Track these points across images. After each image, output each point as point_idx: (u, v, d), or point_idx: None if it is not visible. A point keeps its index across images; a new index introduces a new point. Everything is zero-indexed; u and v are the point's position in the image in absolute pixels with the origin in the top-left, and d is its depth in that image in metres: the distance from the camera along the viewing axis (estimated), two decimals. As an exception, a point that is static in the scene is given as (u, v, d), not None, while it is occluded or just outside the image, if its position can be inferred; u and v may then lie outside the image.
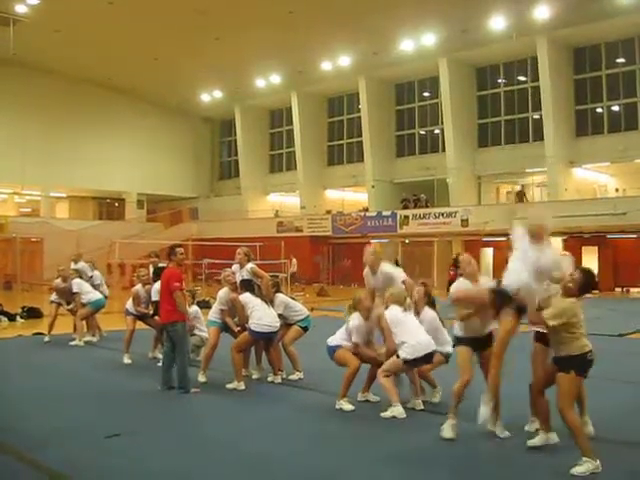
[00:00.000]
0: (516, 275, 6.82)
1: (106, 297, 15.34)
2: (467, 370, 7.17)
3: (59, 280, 15.02)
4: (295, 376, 10.28)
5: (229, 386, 9.59)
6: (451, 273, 24.44)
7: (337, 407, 8.20)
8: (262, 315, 9.61)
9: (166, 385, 9.41)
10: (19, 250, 36.45)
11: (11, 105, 43.06)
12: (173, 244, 9.97)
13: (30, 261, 39.04)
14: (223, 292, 10.29)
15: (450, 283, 23.42)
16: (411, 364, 7.95)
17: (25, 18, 34.77)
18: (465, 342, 7.26)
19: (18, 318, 19.12)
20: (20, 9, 33.90)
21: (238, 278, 10.22)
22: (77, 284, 14.38)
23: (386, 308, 8.17)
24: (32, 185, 46.47)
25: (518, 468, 6.24)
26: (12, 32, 34.70)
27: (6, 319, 18.84)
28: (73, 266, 15.17)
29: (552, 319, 6.12)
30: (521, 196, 37.03)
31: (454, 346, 7.48)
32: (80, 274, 14.84)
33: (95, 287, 14.95)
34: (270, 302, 9.96)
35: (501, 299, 6.79)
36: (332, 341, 8.63)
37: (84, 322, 14.57)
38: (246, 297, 9.75)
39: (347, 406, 8.20)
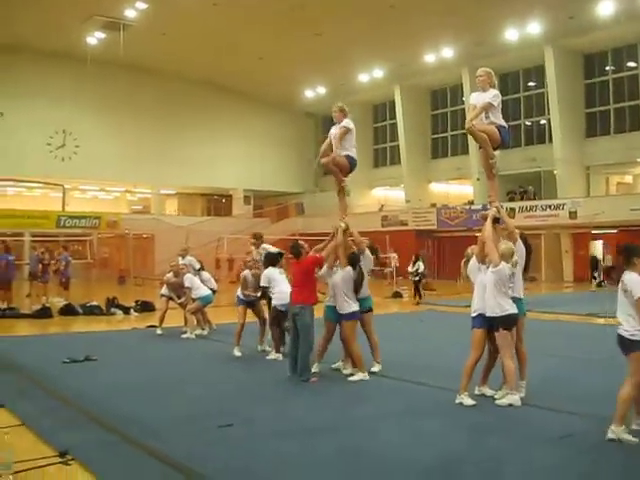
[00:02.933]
0: None
1: (214, 291, 15.76)
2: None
3: (171, 274, 15.48)
4: (375, 368, 10.27)
5: (352, 378, 9.82)
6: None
7: (457, 402, 8.09)
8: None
9: (293, 372, 9.77)
10: (132, 246, 37.57)
11: (124, 107, 44.61)
12: (295, 241, 10.38)
13: (142, 256, 40.27)
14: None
15: None
16: None
17: (134, 22, 35.93)
18: None
19: (132, 311, 19.82)
20: (129, 14, 35.07)
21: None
22: (189, 279, 14.81)
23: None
24: (143, 183, 48.03)
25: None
26: (122, 37, 35.92)
27: (121, 312, 19.63)
28: (181, 261, 15.59)
29: None
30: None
31: None
32: (190, 269, 15.30)
33: (202, 282, 15.37)
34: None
35: None
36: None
37: (194, 316, 15.00)
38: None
39: (468, 401, 8.07)
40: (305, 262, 9.85)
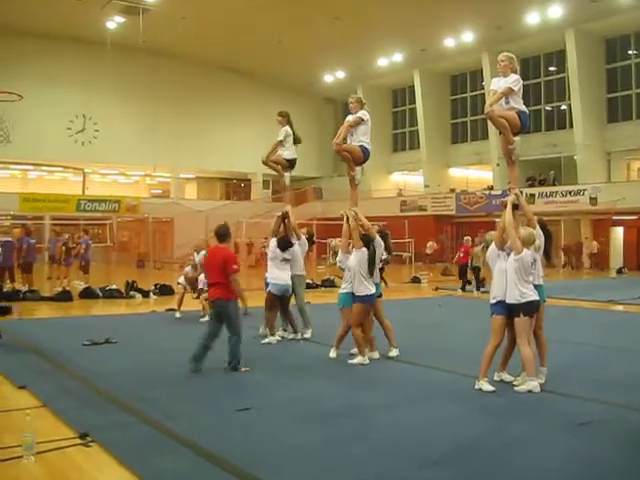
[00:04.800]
0: None
1: None
2: None
3: (189, 268, 15.58)
4: (393, 353, 10.29)
5: (351, 361, 9.84)
6: (461, 256, 22.53)
7: (476, 387, 8.08)
8: None
9: (197, 362, 9.15)
10: (151, 230, 37.71)
11: (143, 91, 44.81)
12: (223, 223, 9.80)
13: (161, 240, 40.46)
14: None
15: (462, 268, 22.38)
16: None
17: (153, 7, 35.96)
18: None
19: (151, 295, 19.94)
20: (149, -2, 35.16)
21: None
22: (202, 282, 14.61)
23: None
24: (163, 167, 48.18)
25: None
26: (141, 21, 35.94)
27: (140, 295, 19.74)
28: (196, 257, 15.31)
29: None
30: None
31: None
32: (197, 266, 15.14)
33: None
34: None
35: None
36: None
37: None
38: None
39: (487, 386, 8.04)
40: (222, 256, 9.20)
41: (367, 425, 6.77)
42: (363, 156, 10.42)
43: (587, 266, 35.81)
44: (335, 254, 10.57)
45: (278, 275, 11.66)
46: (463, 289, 22.17)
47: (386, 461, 5.70)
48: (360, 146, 10.34)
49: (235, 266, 9.09)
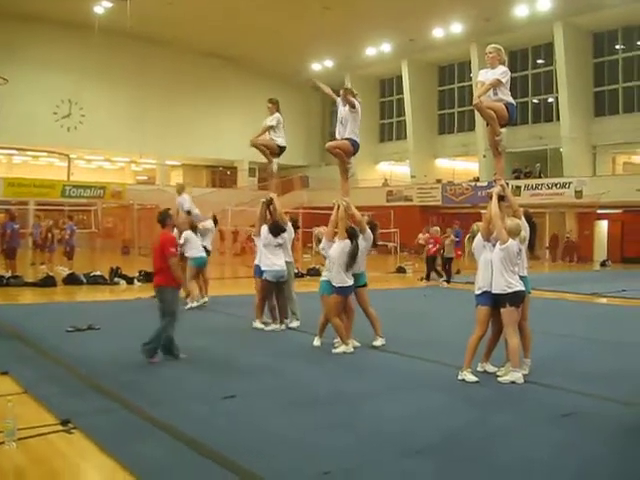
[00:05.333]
0: None
1: (209, 252, 15.65)
2: None
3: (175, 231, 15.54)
4: (378, 342, 10.30)
5: (335, 350, 9.86)
6: (430, 247, 22.20)
7: (459, 378, 8.10)
8: None
9: (165, 352, 9.16)
10: (136, 217, 37.54)
11: (130, 78, 44.61)
12: (165, 208, 9.99)
13: (146, 227, 40.18)
14: None
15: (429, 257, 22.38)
16: None
17: (140, -9, 35.71)
18: None
19: (135, 281, 19.86)
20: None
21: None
22: (185, 237, 14.73)
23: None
24: (148, 154, 47.99)
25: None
26: (129, 6, 35.68)
27: (124, 282, 19.67)
28: (177, 200, 15.94)
29: None
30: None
31: None
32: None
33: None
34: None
35: None
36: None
37: (194, 283, 14.88)
38: None
39: (470, 377, 8.07)
40: (161, 241, 9.23)
41: (351, 413, 6.77)
42: (353, 149, 10.48)
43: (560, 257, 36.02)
44: (319, 241, 10.54)
45: (272, 261, 11.64)
46: (427, 278, 22.23)
47: (369, 450, 5.71)
48: (349, 139, 10.38)
49: (172, 249, 9.13)
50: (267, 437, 5.99)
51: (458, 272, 23.90)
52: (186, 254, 14.60)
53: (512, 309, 8.02)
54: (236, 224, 35.43)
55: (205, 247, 15.25)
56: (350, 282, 9.86)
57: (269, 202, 12.15)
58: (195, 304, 14.61)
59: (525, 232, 8.37)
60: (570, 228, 36.39)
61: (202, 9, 37.40)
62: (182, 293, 13.43)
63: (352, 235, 9.92)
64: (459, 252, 23.60)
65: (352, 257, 9.77)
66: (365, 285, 10.37)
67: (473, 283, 8.62)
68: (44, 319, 12.69)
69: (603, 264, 33.09)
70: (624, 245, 35.51)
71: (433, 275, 22.31)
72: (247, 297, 12.00)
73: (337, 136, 10.57)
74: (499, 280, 8.04)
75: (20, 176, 41.92)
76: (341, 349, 9.81)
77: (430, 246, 22.19)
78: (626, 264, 33.74)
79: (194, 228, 15.08)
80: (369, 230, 10.29)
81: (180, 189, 16.66)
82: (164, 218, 9.47)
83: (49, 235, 22.87)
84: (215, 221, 16.37)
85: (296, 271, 17.31)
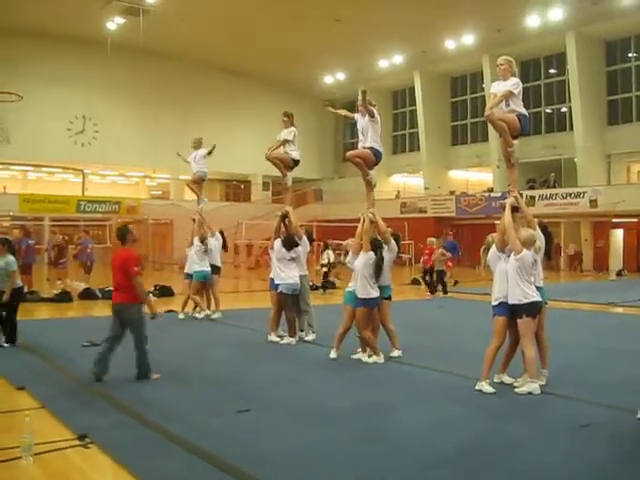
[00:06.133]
0: None
1: (217, 268, 15.84)
2: None
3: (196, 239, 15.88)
4: (395, 353, 10.32)
5: (368, 360, 9.95)
6: (425, 258, 21.98)
7: (477, 389, 8.08)
8: None
9: (100, 367, 8.76)
10: (150, 231, 37.65)
11: (143, 92, 44.79)
12: (125, 223, 9.59)
13: (161, 242, 40.36)
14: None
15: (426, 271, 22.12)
16: None
17: (153, 7, 35.97)
18: None
19: (151, 296, 19.79)
20: (148, -1, 35.16)
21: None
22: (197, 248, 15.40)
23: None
24: (162, 169, 48.16)
25: None
26: (142, 22, 35.93)
27: (139, 296, 19.65)
28: (193, 154, 17.48)
29: None
30: None
31: None
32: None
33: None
34: None
35: None
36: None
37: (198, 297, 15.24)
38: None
39: (488, 388, 8.04)
40: (121, 258, 8.89)
41: (368, 425, 6.76)
42: (375, 159, 10.53)
43: (563, 268, 35.86)
44: (347, 253, 10.62)
45: (287, 274, 11.68)
46: (432, 290, 21.79)
47: (390, 461, 5.69)
48: (371, 148, 10.43)
49: (136, 268, 8.76)
50: (283, 450, 5.98)
51: (456, 284, 23.79)
52: (185, 270, 15.38)
53: (529, 319, 7.98)
54: (250, 238, 35.51)
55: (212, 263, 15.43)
56: (375, 294, 9.89)
57: (285, 215, 12.23)
58: (202, 315, 14.78)
59: (540, 242, 8.36)
60: (585, 237, 36.20)
61: (214, 24, 37.56)
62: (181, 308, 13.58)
63: (376, 246, 9.97)
64: (449, 264, 23.26)
65: (378, 268, 9.84)
66: (389, 298, 10.37)
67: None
68: (60, 334, 12.77)
69: (619, 273, 32.89)
70: (640, 254, 35.34)
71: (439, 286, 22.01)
72: (261, 311, 11.99)
73: (359, 147, 10.63)
74: (515, 291, 8.01)
75: (35, 192, 42.16)
76: (373, 359, 9.89)
77: (425, 257, 21.97)
78: (642, 273, 33.54)
79: (203, 240, 15.33)
80: (393, 241, 10.33)
81: (197, 144, 17.88)
82: (124, 234, 9.07)
83: (57, 250, 22.78)
84: (222, 236, 16.40)
85: (311, 283, 17.33)
